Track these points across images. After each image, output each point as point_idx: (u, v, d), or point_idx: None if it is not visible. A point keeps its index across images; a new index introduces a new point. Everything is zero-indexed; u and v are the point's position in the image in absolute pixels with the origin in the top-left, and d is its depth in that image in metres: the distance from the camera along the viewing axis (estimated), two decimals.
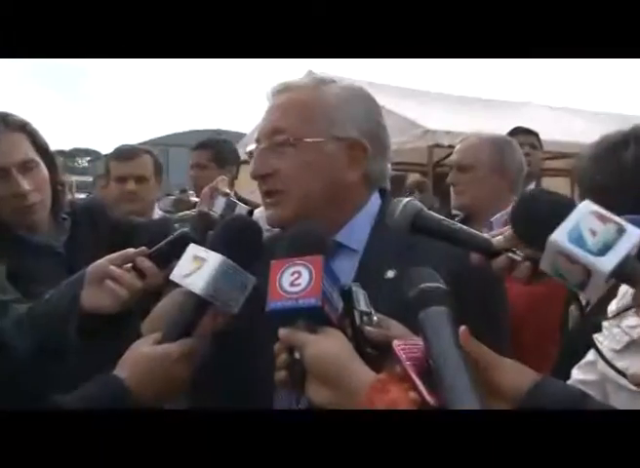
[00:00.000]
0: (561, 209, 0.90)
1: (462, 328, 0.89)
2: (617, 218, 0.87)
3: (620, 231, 0.86)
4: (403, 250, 1.22)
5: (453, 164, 2.55)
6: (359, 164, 1.34)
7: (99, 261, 1.34)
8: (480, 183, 2.47)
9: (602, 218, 0.87)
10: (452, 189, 2.56)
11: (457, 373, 0.84)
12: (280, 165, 1.29)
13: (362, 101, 1.37)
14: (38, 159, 1.81)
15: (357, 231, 1.33)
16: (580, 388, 0.91)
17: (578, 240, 0.87)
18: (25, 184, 1.75)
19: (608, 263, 0.85)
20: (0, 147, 1.74)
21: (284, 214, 1.30)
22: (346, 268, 1.27)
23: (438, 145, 7.34)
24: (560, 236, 0.88)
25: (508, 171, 2.52)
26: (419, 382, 0.87)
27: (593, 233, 0.86)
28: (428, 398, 0.85)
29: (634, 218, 0.98)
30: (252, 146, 1.38)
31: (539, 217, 0.92)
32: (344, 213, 1.33)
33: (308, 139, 1.29)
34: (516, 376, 0.87)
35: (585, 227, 0.87)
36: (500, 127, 4.21)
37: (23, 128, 1.80)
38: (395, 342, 0.94)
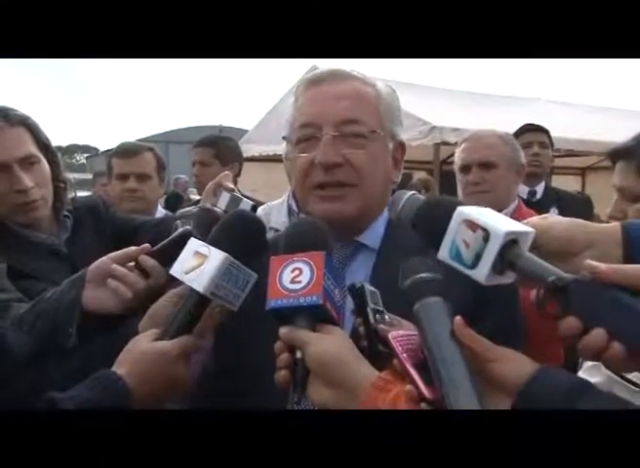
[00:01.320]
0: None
1: (457, 318, 0.87)
2: (483, 222, 0.91)
3: (486, 238, 0.90)
4: (420, 250, 1.22)
5: (471, 162, 2.52)
6: (400, 164, 1.33)
7: (101, 259, 1.31)
8: (503, 181, 2.50)
9: (471, 226, 0.92)
10: (468, 188, 2.52)
11: (452, 365, 0.83)
12: (353, 156, 1.23)
13: (399, 101, 1.36)
14: (39, 155, 1.80)
15: (377, 231, 1.31)
16: (581, 377, 0.90)
17: (456, 255, 0.93)
18: (27, 180, 1.74)
19: (480, 274, 0.91)
20: (1, 142, 1.73)
21: (350, 208, 1.24)
22: (364, 268, 1.27)
23: (445, 143, 7.28)
24: (443, 253, 0.95)
25: (523, 168, 2.59)
26: (415, 374, 0.86)
27: (467, 245, 0.92)
28: (424, 390, 0.84)
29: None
30: (284, 133, 1.32)
31: (438, 229, 0.96)
32: (376, 213, 1.32)
33: (381, 132, 1.25)
34: (515, 366, 0.85)
35: (460, 240, 0.93)
36: (509, 123, 4.17)
37: (25, 123, 1.78)
38: (392, 334, 0.93)
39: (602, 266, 0.86)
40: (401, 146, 1.34)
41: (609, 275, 0.85)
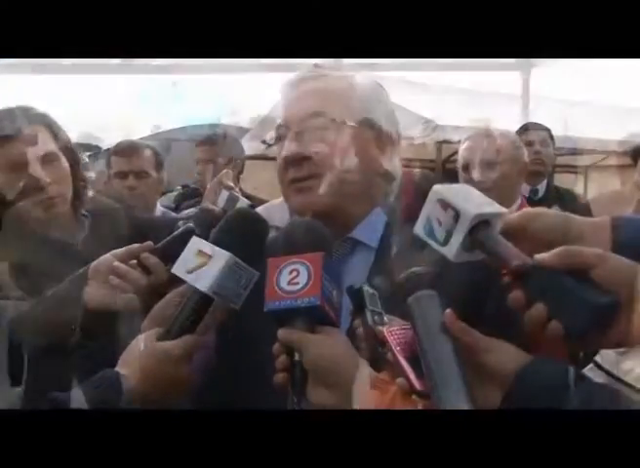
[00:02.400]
0: None
1: (448, 310, 0.87)
2: (454, 203, 0.94)
3: (456, 217, 0.93)
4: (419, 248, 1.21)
5: (473, 160, 2.53)
6: (388, 156, 1.32)
7: (103, 257, 1.31)
8: (506, 180, 2.51)
9: (444, 206, 0.95)
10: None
11: (442, 357, 0.83)
12: (318, 148, 1.24)
13: (386, 94, 1.37)
14: (59, 152, 1.79)
15: (373, 228, 1.30)
16: (572, 367, 0.91)
17: (430, 232, 0.97)
18: (45, 177, 1.73)
19: (450, 251, 0.94)
20: (20, 140, 1.72)
21: (319, 200, 1.24)
22: (362, 266, 1.25)
23: (447, 141, 7.23)
24: (418, 229, 0.98)
25: (526, 166, 2.62)
26: (406, 367, 0.86)
27: (439, 223, 0.95)
28: (415, 383, 0.84)
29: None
30: (271, 134, 1.33)
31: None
32: (364, 207, 1.30)
33: (350, 123, 1.26)
34: (507, 356, 0.86)
35: (434, 217, 0.96)
36: (512, 121, 4.18)
37: (44, 121, 1.79)
38: (386, 328, 0.93)
39: (545, 257, 0.89)
40: (388, 135, 1.32)
41: (551, 263, 0.89)
